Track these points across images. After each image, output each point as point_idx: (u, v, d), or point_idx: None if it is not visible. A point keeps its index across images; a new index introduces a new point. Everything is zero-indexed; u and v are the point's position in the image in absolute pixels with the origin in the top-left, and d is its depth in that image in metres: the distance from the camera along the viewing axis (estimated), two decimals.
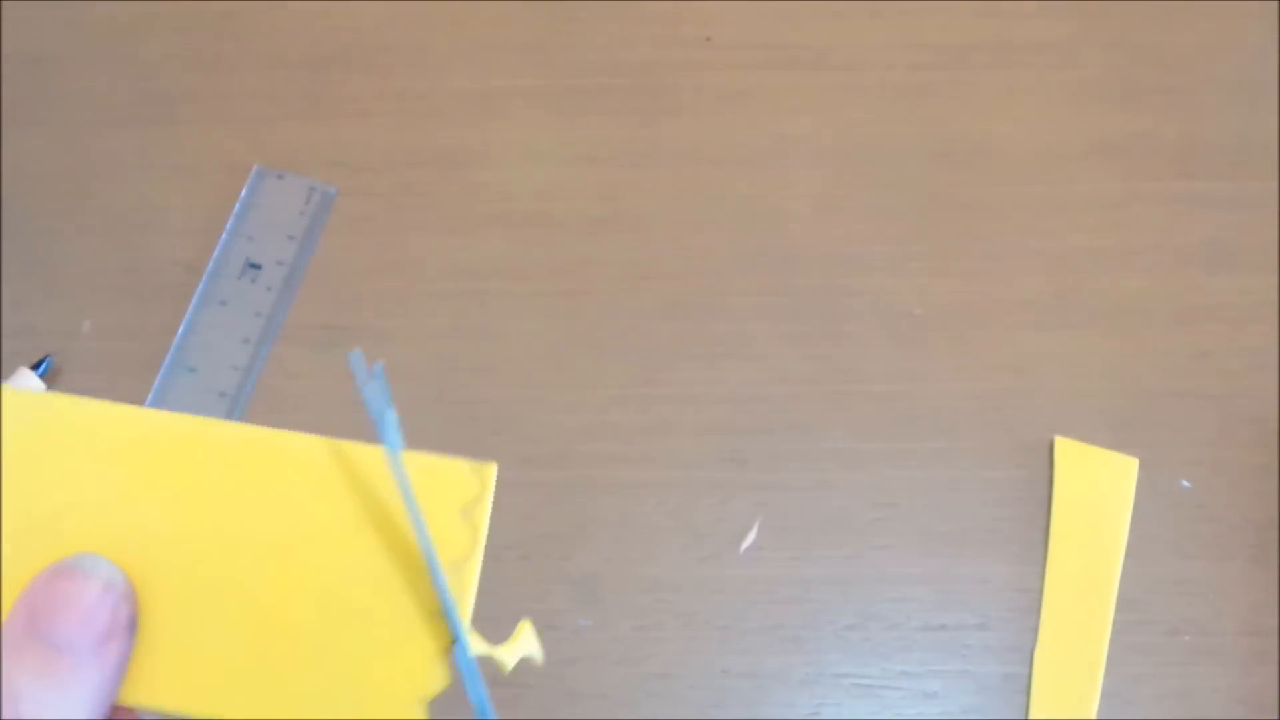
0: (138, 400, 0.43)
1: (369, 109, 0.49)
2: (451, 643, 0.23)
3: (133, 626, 0.22)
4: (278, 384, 0.44)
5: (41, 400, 0.24)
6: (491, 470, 0.24)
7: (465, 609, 0.23)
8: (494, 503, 0.43)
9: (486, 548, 0.23)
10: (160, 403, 0.43)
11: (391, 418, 0.23)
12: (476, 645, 0.23)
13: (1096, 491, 0.42)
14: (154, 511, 0.23)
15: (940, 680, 0.40)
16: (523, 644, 0.24)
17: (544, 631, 0.41)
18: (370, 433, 0.25)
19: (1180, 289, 0.46)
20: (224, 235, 0.46)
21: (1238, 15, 0.50)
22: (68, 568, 0.22)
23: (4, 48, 0.50)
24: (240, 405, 0.44)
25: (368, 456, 0.24)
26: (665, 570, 0.42)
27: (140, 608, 0.23)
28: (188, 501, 0.23)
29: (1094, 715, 0.39)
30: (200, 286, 0.45)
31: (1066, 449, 0.43)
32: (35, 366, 0.43)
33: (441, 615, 0.23)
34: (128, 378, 0.44)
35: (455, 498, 0.24)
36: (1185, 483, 0.43)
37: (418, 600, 0.23)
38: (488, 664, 0.23)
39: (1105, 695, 0.40)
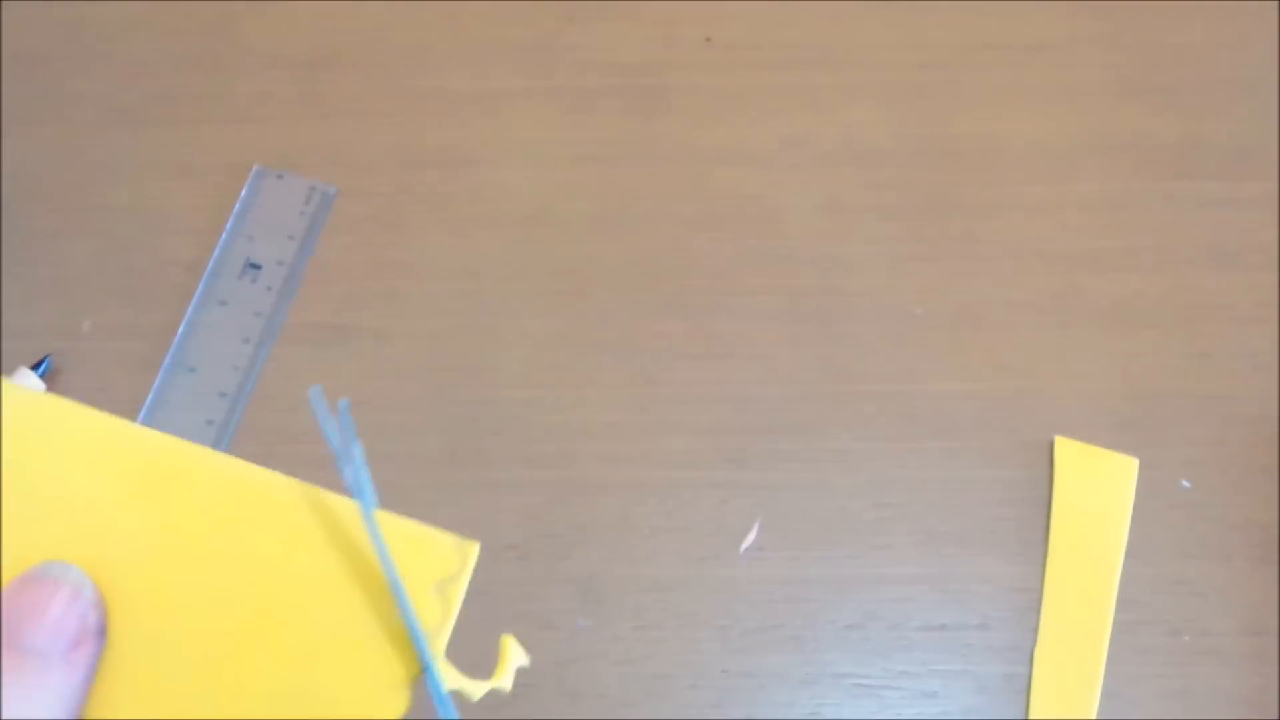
0: (138, 400, 0.44)
1: (369, 109, 0.49)
2: (421, 671, 0.23)
3: (102, 633, 0.23)
4: (278, 384, 0.44)
5: (39, 400, 0.24)
6: (474, 550, 0.24)
7: (438, 669, 0.23)
8: (494, 504, 0.43)
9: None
10: (160, 403, 0.43)
11: (358, 454, 0.23)
12: (450, 679, 0.23)
13: (1096, 491, 0.42)
14: (134, 528, 0.24)
15: (940, 680, 0.40)
16: (506, 664, 0.24)
17: (544, 631, 0.41)
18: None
19: (1180, 289, 0.46)
20: (224, 235, 0.46)
21: (1238, 15, 0.50)
22: (38, 575, 0.22)
23: (4, 48, 0.50)
24: (240, 405, 0.44)
25: (343, 505, 0.24)
26: (665, 570, 0.42)
27: (112, 620, 0.23)
28: (166, 522, 0.24)
29: (1094, 715, 0.39)
30: (200, 286, 0.45)
31: (1066, 449, 0.43)
32: (35, 366, 0.43)
33: (410, 645, 0.23)
34: (128, 378, 0.44)
35: (433, 570, 0.24)
36: (1185, 483, 0.43)
37: (386, 629, 0.23)
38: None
39: (1105, 695, 0.40)
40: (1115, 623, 0.40)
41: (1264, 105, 0.49)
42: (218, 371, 0.44)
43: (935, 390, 0.44)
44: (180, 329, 0.45)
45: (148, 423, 0.43)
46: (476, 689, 0.23)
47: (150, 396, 0.43)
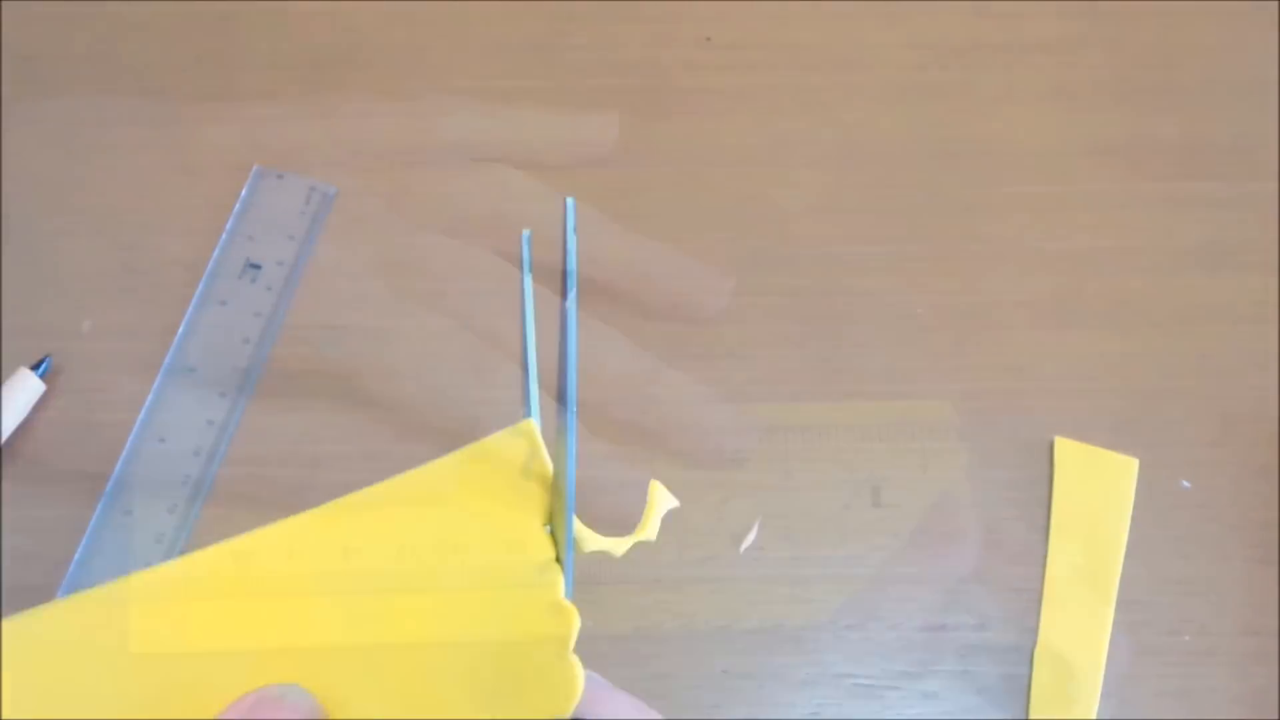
0: (138, 400, 0.43)
1: (369, 109, 0.49)
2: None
3: None
4: (278, 384, 0.44)
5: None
6: (531, 425, 0.24)
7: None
8: None
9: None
10: (160, 403, 0.43)
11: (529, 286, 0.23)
12: (590, 542, 0.23)
13: (1096, 491, 0.42)
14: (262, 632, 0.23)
15: (940, 680, 0.40)
16: (653, 512, 0.24)
17: None
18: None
19: (1180, 289, 0.46)
20: (224, 235, 0.46)
21: (1238, 15, 0.50)
22: (272, 697, 0.23)
23: (4, 48, 0.50)
24: (240, 405, 0.44)
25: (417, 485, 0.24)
26: (665, 570, 0.42)
27: None
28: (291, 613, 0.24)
29: (1094, 715, 0.39)
30: (200, 286, 0.45)
31: (1066, 449, 0.43)
32: (35, 366, 0.43)
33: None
34: (128, 378, 0.44)
35: (512, 464, 0.24)
36: (1185, 483, 0.43)
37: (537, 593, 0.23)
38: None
39: (1105, 695, 0.40)
40: (1115, 623, 0.40)
41: (1264, 105, 0.49)
42: (218, 371, 0.44)
43: (935, 390, 0.44)
44: (180, 329, 0.45)
45: (147, 423, 0.43)
46: (619, 545, 0.23)
47: (150, 396, 0.43)
